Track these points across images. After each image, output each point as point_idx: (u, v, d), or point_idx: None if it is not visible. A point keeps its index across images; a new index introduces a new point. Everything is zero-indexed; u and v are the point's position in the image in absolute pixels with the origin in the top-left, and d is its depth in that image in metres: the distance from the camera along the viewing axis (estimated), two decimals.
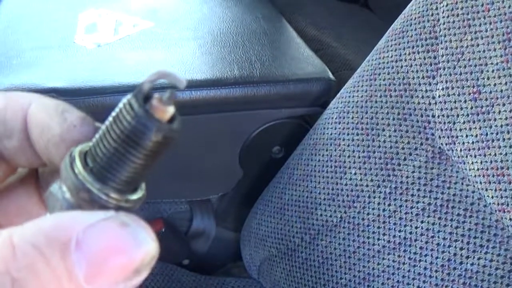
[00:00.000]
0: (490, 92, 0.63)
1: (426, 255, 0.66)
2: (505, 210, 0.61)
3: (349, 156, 0.74)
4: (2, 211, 0.27)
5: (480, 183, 0.63)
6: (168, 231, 0.97)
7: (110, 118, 0.24)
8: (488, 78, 0.63)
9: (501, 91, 0.62)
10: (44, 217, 0.22)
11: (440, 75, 0.68)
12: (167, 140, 0.24)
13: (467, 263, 0.63)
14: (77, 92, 0.82)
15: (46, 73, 0.85)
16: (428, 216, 0.67)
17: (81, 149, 0.25)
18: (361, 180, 0.72)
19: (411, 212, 0.68)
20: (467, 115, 0.64)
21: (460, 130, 0.65)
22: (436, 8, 0.69)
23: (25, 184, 0.28)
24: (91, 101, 0.82)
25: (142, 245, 0.22)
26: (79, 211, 0.23)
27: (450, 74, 0.67)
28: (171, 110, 0.23)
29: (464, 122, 0.65)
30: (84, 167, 0.24)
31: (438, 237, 0.66)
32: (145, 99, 0.23)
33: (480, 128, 0.63)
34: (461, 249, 0.64)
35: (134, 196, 0.25)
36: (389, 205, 0.70)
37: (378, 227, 0.69)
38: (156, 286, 0.90)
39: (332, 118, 0.77)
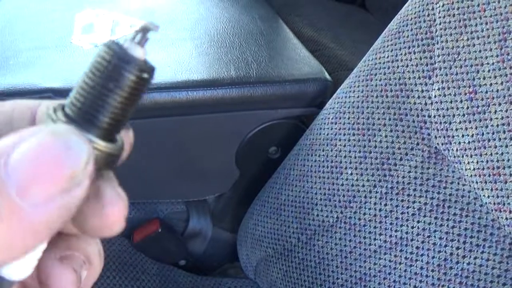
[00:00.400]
0: (486, 92, 0.63)
1: (422, 255, 0.66)
2: (501, 210, 0.61)
3: (345, 157, 0.74)
4: None
5: (476, 182, 0.63)
6: (165, 232, 0.97)
7: (89, 65, 0.25)
8: (484, 78, 0.63)
9: (497, 91, 0.62)
10: None
11: (436, 75, 0.68)
12: (144, 77, 0.25)
13: (463, 263, 0.63)
14: None
15: (43, 73, 0.85)
16: (425, 216, 0.67)
17: (59, 103, 0.25)
18: (357, 180, 0.72)
19: (407, 212, 0.68)
20: (463, 115, 0.65)
21: (456, 130, 0.65)
22: (432, 9, 0.69)
23: None
24: None
25: (72, 148, 0.21)
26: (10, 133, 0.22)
27: (446, 74, 0.67)
28: (144, 52, 0.25)
29: (460, 122, 0.65)
30: (64, 115, 0.24)
31: (435, 236, 0.66)
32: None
33: (476, 128, 0.63)
34: (458, 248, 0.64)
35: (114, 144, 0.25)
36: (386, 205, 0.70)
37: (375, 227, 0.69)
38: (152, 287, 0.90)
39: (329, 118, 0.78)
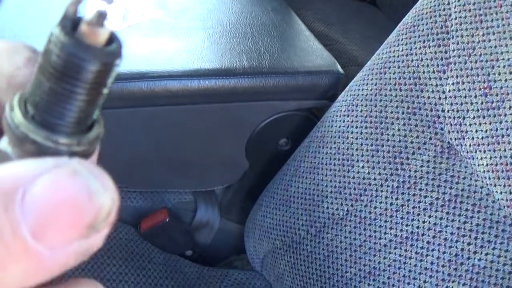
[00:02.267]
0: (501, 88, 0.62)
1: (433, 250, 0.66)
2: None
3: (357, 150, 0.73)
4: None
5: (489, 178, 0.63)
6: (172, 221, 0.96)
7: (40, 56, 0.20)
8: (499, 74, 0.63)
9: None
10: None
11: (451, 70, 0.67)
12: (108, 66, 0.20)
13: (474, 259, 0.63)
14: None
15: None
16: (436, 211, 0.67)
17: (20, 96, 0.21)
18: (368, 173, 0.72)
19: (419, 207, 0.68)
20: (477, 110, 0.64)
21: (470, 125, 0.65)
22: (448, 3, 0.69)
23: None
24: None
25: (94, 197, 0.19)
26: (28, 160, 0.20)
27: (461, 69, 0.66)
28: (105, 32, 0.20)
29: (474, 117, 0.64)
30: (25, 115, 0.21)
31: (446, 232, 0.65)
32: (73, 26, 0.20)
33: (490, 123, 0.63)
34: (469, 244, 0.64)
35: (89, 136, 0.21)
36: (397, 199, 0.69)
37: (385, 221, 0.69)
38: (158, 276, 0.90)
39: (341, 111, 0.77)
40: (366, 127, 0.73)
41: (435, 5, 0.70)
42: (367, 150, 0.72)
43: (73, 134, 0.21)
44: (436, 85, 0.68)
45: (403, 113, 0.71)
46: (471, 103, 0.65)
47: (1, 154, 0.21)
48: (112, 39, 0.20)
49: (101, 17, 0.19)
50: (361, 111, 0.74)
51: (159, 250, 0.95)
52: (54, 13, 0.98)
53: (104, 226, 0.20)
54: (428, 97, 0.69)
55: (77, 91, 0.20)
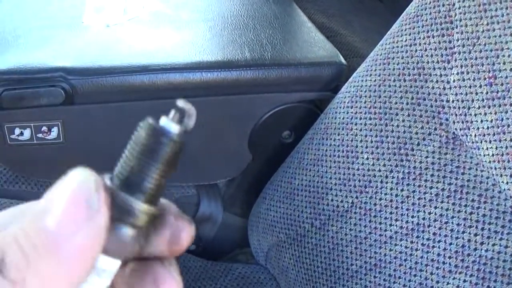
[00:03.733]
0: (506, 77, 0.62)
1: (439, 241, 0.65)
2: None
3: (361, 141, 0.73)
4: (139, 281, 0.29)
5: (495, 168, 0.62)
6: None
7: (131, 140, 0.29)
8: (504, 63, 0.62)
9: None
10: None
11: (455, 60, 0.67)
12: (177, 148, 0.28)
13: (481, 250, 0.63)
14: (85, 72, 0.82)
15: (54, 52, 0.85)
16: (442, 202, 0.66)
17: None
18: (373, 165, 0.71)
19: (424, 198, 0.67)
20: (482, 100, 0.64)
21: (475, 115, 0.64)
22: None
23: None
24: (99, 80, 0.81)
25: (82, 183, 0.26)
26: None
27: (465, 59, 0.66)
28: (177, 126, 0.29)
29: (479, 107, 0.64)
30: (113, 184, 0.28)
31: (452, 223, 0.65)
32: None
33: (495, 113, 0.62)
34: (476, 235, 0.63)
35: (156, 207, 0.29)
36: (402, 190, 0.69)
37: (391, 213, 0.69)
38: None
39: (344, 102, 0.77)
40: (370, 118, 0.72)
41: None
42: (372, 142, 0.72)
43: (147, 202, 0.28)
44: (441, 75, 0.68)
45: (407, 103, 0.70)
46: (476, 93, 0.64)
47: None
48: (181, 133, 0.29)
49: (175, 116, 0.29)
50: (365, 102, 0.73)
51: None
52: (52, 6, 0.97)
53: (98, 203, 0.25)
54: (433, 88, 0.68)
55: (155, 165, 0.28)
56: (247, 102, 0.87)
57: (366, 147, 0.72)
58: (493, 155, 0.62)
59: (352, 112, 0.75)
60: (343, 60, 0.89)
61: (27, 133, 0.83)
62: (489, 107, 0.63)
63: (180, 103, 0.29)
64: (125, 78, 0.82)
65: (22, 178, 0.95)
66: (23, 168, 0.90)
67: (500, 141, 0.62)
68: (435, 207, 0.66)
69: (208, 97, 0.86)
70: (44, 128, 0.83)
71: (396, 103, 0.71)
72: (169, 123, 0.28)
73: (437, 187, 0.67)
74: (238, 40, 0.90)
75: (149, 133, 0.28)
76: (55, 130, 0.84)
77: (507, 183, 0.61)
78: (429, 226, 0.66)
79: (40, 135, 0.84)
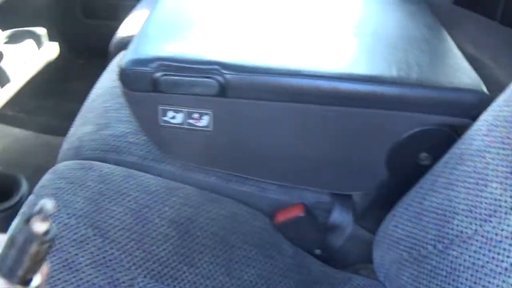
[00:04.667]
0: None
1: None
2: None
3: (492, 170, 0.73)
4: None
5: None
6: (307, 218, 1.00)
7: (9, 235, 0.39)
8: None
9: None
10: None
11: None
12: (43, 246, 0.38)
13: None
14: (240, 68, 0.88)
15: (214, 46, 0.92)
16: None
17: None
18: (501, 195, 0.70)
19: None
20: None
21: None
22: None
23: None
24: (252, 78, 0.87)
25: None
26: None
27: None
28: (45, 225, 0.38)
29: None
30: None
31: None
32: (28, 220, 0.39)
33: None
34: None
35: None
36: None
37: (510, 244, 0.68)
38: (285, 268, 0.94)
39: (481, 130, 0.76)
40: (504, 148, 0.72)
41: None
42: (502, 172, 0.71)
43: (22, 283, 0.40)
44: None
45: None
46: None
47: None
48: (49, 230, 0.39)
49: (44, 217, 0.38)
50: (500, 132, 0.73)
51: (289, 243, 0.99)
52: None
53: None
54: None
55: (26, 258, 0.39)
56: (389, 118, 0.89)
57: (497, 176, 0.72)
58: None
59: (487, 141, 0.74)
60: (485, 90, 0.88)
61: (179, 117, 0.90)
62: None
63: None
64: (276, 79, 0.87)
65: (169, 158, 1.02)
66: (170, 149, 0.97)
67: None
68: None
69: (353, 108, 0.89)
70: (196, 115, 0.90)
71: None
72: (38, 223, 0.38)
73: None
74: (387, 58, 0.92)
75: (22, 232, 0.38)
76: (205, 118, 0.90)
77: None
78: None
79: (191, 121, 0.90)
